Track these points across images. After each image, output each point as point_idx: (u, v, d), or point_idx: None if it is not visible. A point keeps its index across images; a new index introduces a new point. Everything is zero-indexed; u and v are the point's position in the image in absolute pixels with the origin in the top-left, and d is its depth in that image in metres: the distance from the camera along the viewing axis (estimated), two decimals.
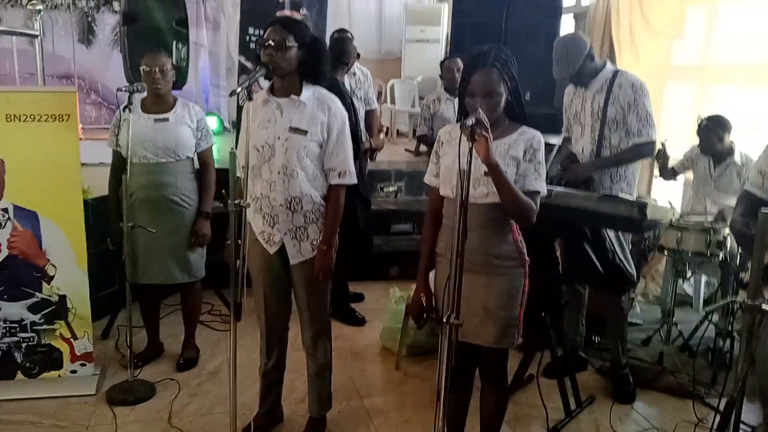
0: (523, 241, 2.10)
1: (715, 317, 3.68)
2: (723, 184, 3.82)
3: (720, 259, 3.44)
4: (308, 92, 2.34)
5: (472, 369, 2.27)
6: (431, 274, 2.25)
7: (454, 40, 6.23)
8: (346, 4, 8.50)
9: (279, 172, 2.33)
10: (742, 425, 2.81)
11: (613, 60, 5.18)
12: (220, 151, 3.28)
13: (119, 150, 3.03)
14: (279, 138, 2.32)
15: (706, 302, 4.30)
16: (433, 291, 2.22)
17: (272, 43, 2.25)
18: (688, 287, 4.29)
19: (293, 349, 2.68)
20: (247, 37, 5.73)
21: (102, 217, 3.54)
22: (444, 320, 1.86)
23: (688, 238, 3.43)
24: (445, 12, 8.22)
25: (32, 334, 3.00)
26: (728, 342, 3.42)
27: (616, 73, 3.08)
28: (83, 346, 3.05)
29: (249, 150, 2.23)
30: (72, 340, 3.04)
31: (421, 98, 7.66)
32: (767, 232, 1.48)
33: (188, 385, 3.08)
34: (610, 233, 2.78)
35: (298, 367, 2.79)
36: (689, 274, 3.76)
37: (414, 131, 6.66)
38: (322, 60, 2.37)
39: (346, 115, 2.41)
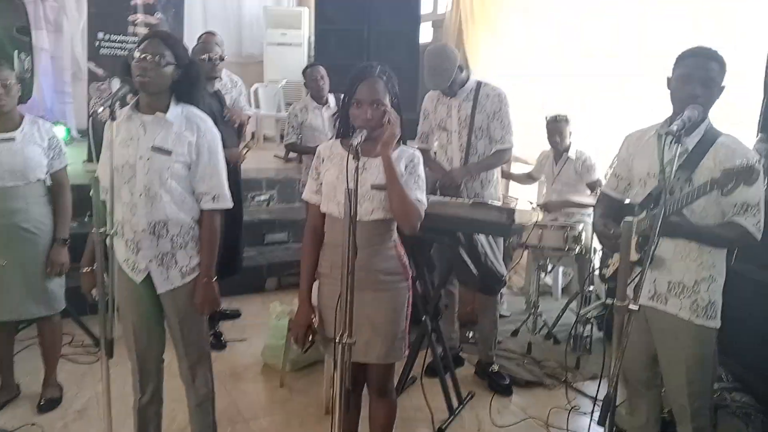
0: (405, 255, 2.16)
1: (574, 305, 4.00)
2: (564, 179, 4.16)
3: (576, 252, 3.76)
4: (176, 110, 2.21)
5: (362, 385, 2.29)
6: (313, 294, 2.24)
7: (318, 45, 6.22)
8: (201, 7, 8.20)
9: (141, 195, 2.18)
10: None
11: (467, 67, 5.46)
12: (71, 163, 3.03)
13: None
14: (141, 158, 2.17)
15: (563, 291, 4.68)
16: (316, 311, 2.20)
17: (148, 57, 2.11)
18: (548, 279, 4.63)
19: (170, 376, 2.53)
20: (97, 42, 5.36)
21: None
22: (336, 340, 1.86)
23: (548, 235, 3.71)
24: (306, 16, 8.20)
25: None
26: (586, 328, 3.72)
27: (479, 83, 3.24)
28: None
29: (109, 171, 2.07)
30: None
31: (288, 103, 7.59)
32: (630, 239, 1.62)
33: (53, 429, 2.82)
34: (481, 237, 2.93)
35: (178, 396, 2.63)
36: (550, 267, 4.06)
37: (282, 137, 6.57)
38: (197, 84, 2.26)
39: (218, 135, 2.30)
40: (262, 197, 5.38)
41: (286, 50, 8.15)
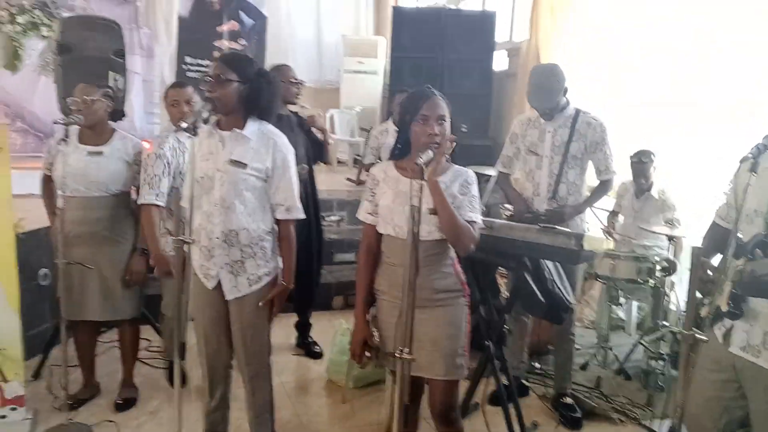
0: (462, 272, 2.17)
1: (649, 341, 3.85)
2: (644, 216, 4.05)
3: (651, 285, 3.63)
4: (253, 127, 2.35)
5: (419, 403, 2.30)
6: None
7: (394, 73, 6.37)
8: (283, 35, 8.54)
9: (217, 204, 2.33)
10: None
11: None
12: None
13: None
14: (219, 170, 2.32)
15: (638, 326, 4.50)
16: (373, 328, 2.23)
17: (212, 79, 2.27)
18: (621, 312, 4.47)
19: (238, 386, 2.63)
20: (184, 66, 5.71)
21: (32, 253, 3.40)
22: (396, 355, 1.89)
23: (621, 266, 3.61)
24: (383, 45, 8.39)
25: None
26: (660, 364, 3.57)
27: (578, 110, 3.17)
28: (14, 389, 2.88)
29: (190, 183, 2.22)
30: (1, 383, 2.87)
31: (363, 129, 7.75)
32: (697, 273, 1.57)
33: (127, 427, 2.96)
34: (548, 263, 2.88)
35: (243, 405, 2.72)
36: (623, 300, 3.93)
37: (355, 161, 6.72)
38: (264, 95, 2.37)
39: (291, 150, 2.43)
40: (333, 218, 5.49)
41: (363, 78, 8.34)
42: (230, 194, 2.31)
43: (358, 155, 7.33)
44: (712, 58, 3.90)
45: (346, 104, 8.26)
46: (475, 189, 2.12)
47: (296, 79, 3.55)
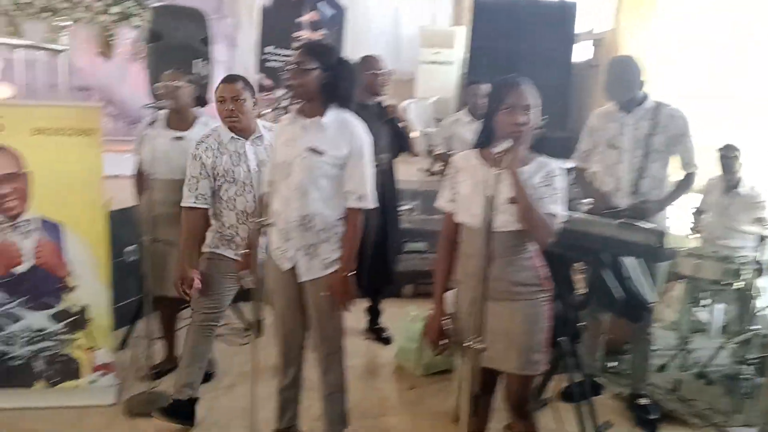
0: (544, 267, 2.12)
1: (734, 345, 3.67)
2: (731, 213, 3.85)
3: (737, 287, 3.45)
4: (332, 115, 2.39)
5: (492, 395, 2.28)
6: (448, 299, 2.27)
7: (472, 63, 6.31)
8: (361, 25, 8.61)
9: (294, 190, 2.38)
10: None
11: None
12: None
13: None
14: (297, 156, 2.38)
15: (722, 330, 4.29)
16: (449, 316, 2.23)
17: (294, 66, 2.33)
18: (703, 314, 4.28)
19: (311, 366, 2.69)
20: (265, 56, 5.85)
21: (122, 229, 3.58)
22: (466, 344, 1.89)
23: (706, 266, 3.45)
24: (460, 35, 8.31)
25: (53, 344, 3.02)
26: (747, 370, 3.40)
27: (659, 103, 3.06)
28: (103, 356, 3.07)
29: (272, 168, 2.29)
30: (92, 350, 3.06)
31: (437, 120, 7.73)
32: None
33: (204, 399, 3.08)
34: (627, 259, 2.78)
35: (316, 384, 2.78)
36: (705, 301, 3.76)
37: (429, 151, 6.69)
38: (345, 84, 2.40)
39: (368, 139, 2.45)
40: (405, 207, 5.50)
41: (439, 68, 8.31)
42: (307, 180, 2.36)
43: (432, 145, 7.31)
44: (750, 50, 3.69)
45: (421, 95, 8.25)
46: (559, 182, 2.07)
47: (383, 70, 3.58)
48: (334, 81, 2.36)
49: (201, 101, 3.34)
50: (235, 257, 2.78)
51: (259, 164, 2.75)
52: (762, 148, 3.91)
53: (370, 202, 2.44)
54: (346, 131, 2.38)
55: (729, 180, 3.91)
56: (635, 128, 3.05)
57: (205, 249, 2.85)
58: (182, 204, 2.80)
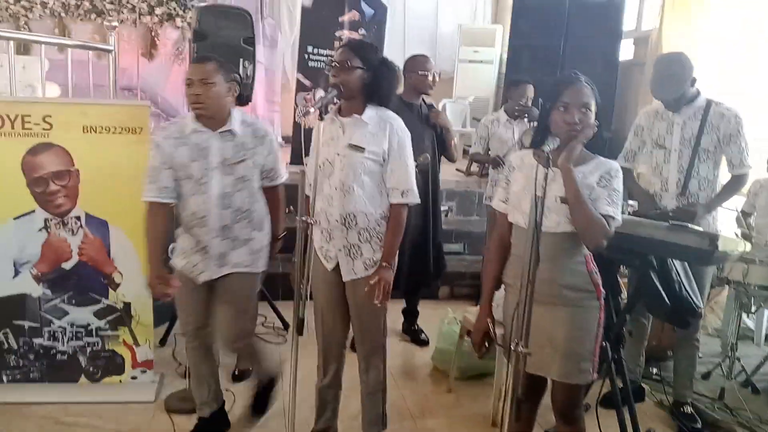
0: (598, 273, 2.06)
1: None
2: None
3: None
4: (371, 112, 2.39)
5: (537, 401, 2.24)
6: (497, 303, 2.24)
7: (512, 61, 6.23)
8: (401, 24, 8.59)
9: (336, 188, 2.38)
10: None
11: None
12: None
13: None
14: (338, 154, 2.38)
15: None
16: (498, 320, 2.20)
17: (337, 64, 2.33)
18: (749, 321, 4.15)
19: (349, 366, 2.69)
20: (306, 56, 5.87)
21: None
22: (512, 347, 1.86)
23: (755, 271, 3.34)
24: (500, 33, 8.23)
25: (97, 339, 3.09)
26: None
27: (710, 102, 2.97)
28: (144, 353, 3.13)
29: (313, 167, 2.29)
30: (134, 346, 3.12)
31: (475, 119, 7.67)
32: None
33: (243, 397, 3.10)
34: (677, 263, 2.71)
35: (353, 384, 2.78)
36: (754, 308, 3.64)
37: (465, 150, 6.64)
38: (386, 83, 2.40)
39: (407, 134, 2.43)
40: (442, 208, 5.47)
41: (477, 67, 8.25)
42: (349, 178, 2.35)
43: (469, 146, 7.26)
44: (760, 47, 3.54)
45: (459, 94, 8.20)
46: (617, 183, 2.01)
47: (431, 70, 3.58)
48: (375, 80, 2.35)
49: (242, 99, 3.35)
50: (183, 268, 2.60)
51: (224, 162, 2.49)
52: None
53: (414, 197, 2.42)
54: (385, 127, 2.37)
55: None
56: (684, 127, 2.97)
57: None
58: (143, 198, 2.51)
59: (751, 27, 3.95)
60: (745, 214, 3.98)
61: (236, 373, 3.34)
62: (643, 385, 3.40)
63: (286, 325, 4.02)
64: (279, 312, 4.05)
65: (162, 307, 3.61)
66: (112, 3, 7.15)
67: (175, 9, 7.48)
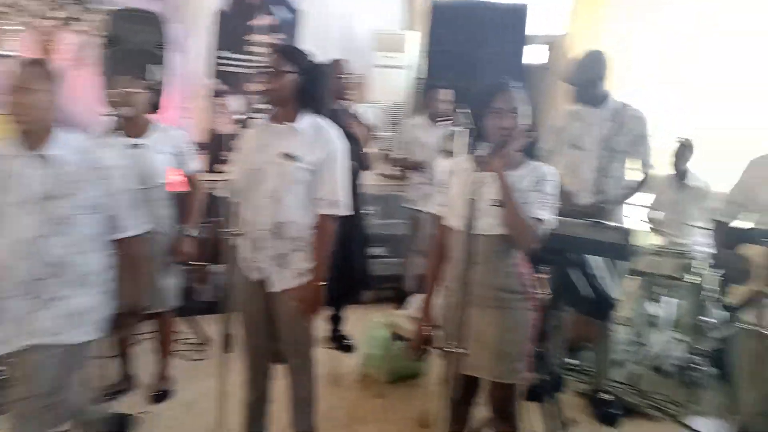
0: (530, 275, 2.11)
1: (687, 338, 3.78)
2: (683, 208, 3.96)
3: (691, 281, 3.56)
4: (305, 120, 2.33)
5: (471, 401, 2.27)
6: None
7: (432, 68, 6.34)
8: (318, 29, 8.51)
9: (267, 197, 2.31)
10: None
11: None
12: None
13: None
14: (270, 163, 2.31)
15: (675, 324, 4.42)
16: (436, 322, 2.21)
17: (268, 70, 2.26)
18: (655, 308, 4.39)
19: (278, 377, 2.62)
20: (220, 61, 5.71)
21: None
22: (446, 349, 1.87)
23: (662, 262, 3.54)
24: (413, 40, 8.33)
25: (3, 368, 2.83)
26: (700, 361, 3.49)
27: (623, 104, 3.12)
28: None
29: (241, 175, 2.21)
30: None
31: (395, 124, 7.73)
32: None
33: (164, 417, 2.98)
34: (594, 258, 2.82)
35: (282, 396, 2.71)
36: (661, 296, 3.85)
37: (385, 155, 6.68)
38: (320, 89, 2.37)
39: (342, 145, 2.40)
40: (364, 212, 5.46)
41: (391, 72, 8.30)
42: (281, 187, 2.29)
43: (385, 150, 7.30)
44: (715, 40, 3.86)
45: (373, 99, 8.23)
46: (550, 187, 2.06)
47: (349, 74, 3.55)
48: (308, 86, 2.31)
49: (154, 107, 3.22)
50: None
51: (46, 194, 1.97)
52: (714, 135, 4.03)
53: (343, 208, 2.38)
54: (321, 136, 2.33)
55: (678, 172, 3.98)
56: (599, 128, 3.10)
57: None
58: None
59: (707, 21, 4.16)
60: (652, 210, 4.22)
61: (156, 393, 3.18)
62: (563, 376, 3.52)
63: (205, 340, 3.87)
64: (198, 326, 3.89)
65: None
66: (8, 6, 6.68)
67: (75, 12, 7.10)
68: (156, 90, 3.34)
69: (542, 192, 2.03)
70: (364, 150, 3.77)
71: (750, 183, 2.27)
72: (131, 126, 2.98)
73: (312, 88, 2.32)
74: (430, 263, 2.23)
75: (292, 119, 2.31)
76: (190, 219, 3.10)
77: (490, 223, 2.01)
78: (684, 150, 3.92)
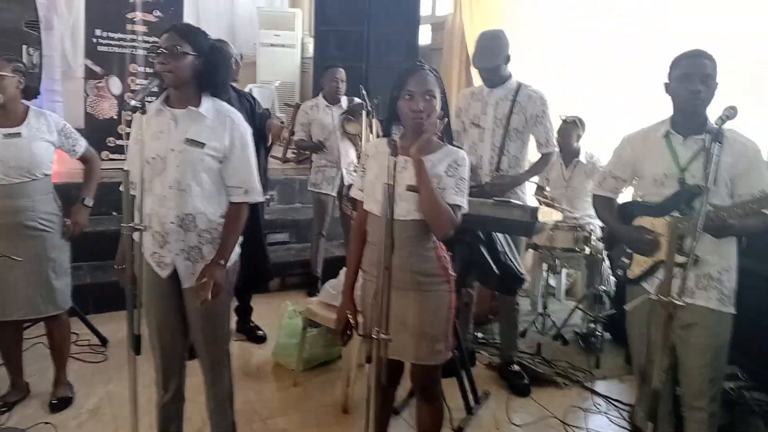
0: (447, 257, 2.13)
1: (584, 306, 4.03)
2: (575, 184, 4.19)
3: (586, 253, 3.80)
4: (207, 104, 2.20)
5: (395, 385, 2.29)
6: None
7: (318, 47, 6.25)
8: (195, 7, 8.13)
9: (171, 187, 2.16)
10: (619, 404, 3.13)
11: (471, 70, 5.48)
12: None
13: None
14: (173, 150, 2.16)
15: (567, 292, 4.71)
16: (357, 308, 2.20)
17: (165, 51, 2.10)
18: (551, 280, 4.65)
19: (189, 375, 2.49)
20: (94, 40, 5.30)
21: None
22: (372, 336, 1.86)
23: (559, 236, 3.74)
24: (299, 18, 8.18)
25: None
26: (596, 327, 3.74)
27: (520, 84, 3.18)
28: None
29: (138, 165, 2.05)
30: None
31: (287, 105, 7.56)
32: (675, 238, 1.65)
33: (66, 427, 2.76)
34: (499, 235, 2.93)
35: (194, 395, 2.59)
36: (559, 268, 4.08)
37: (280, 138, 6.53)
38: (220, 70, 2.23)
39: (249, 129, 2.29)
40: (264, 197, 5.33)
41: (279, 51, 8.12)
42: (186, 176, 2.15)
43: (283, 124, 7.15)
44: (666, 44, 4.08)
45: (263, 79, 8.01)
46: (464, 171, 2.06)
47: (233, 56, 3.40)
48: (207, 68, 2.17)
49: (30, 92, 2.92)
50: None
51: None
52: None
53: (258, 195, 2.29)
54: (224, 121, 2.20)
55: (569, 149, 4.18)
56: (496, 108, 3.18)
57: None
58: None
59: (657, 24, 4.26)
60: (539, 188, 4.42)
61: (54, 401, 2.94)
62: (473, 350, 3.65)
63: (103, 341, 3.63)
64: (93, 327, 3.64)
65: None
66: None
67: None
68: (32, 74, 3.01)
69: (456, 177, 2.04)
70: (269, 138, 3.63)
71: (628, 158, 2.40)
72: (3, 114, 2.69)
73: (212, 70, 2.19)
74: (351, 248, 2.21)
75: (194, 103, 2.17)
76: (87, 188, 2.92)
77: (406, 209, 2.01)
78: (570, 128, 4.12)
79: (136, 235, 2.01)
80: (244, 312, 3.86)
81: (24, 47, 3.08)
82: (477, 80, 5.35)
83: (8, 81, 2.69)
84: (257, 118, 3.48)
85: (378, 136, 3.52)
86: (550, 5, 4.99)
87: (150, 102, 2.15)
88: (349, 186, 3.88)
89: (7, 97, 2.69)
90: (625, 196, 2.59)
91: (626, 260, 2.41)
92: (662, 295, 1.63)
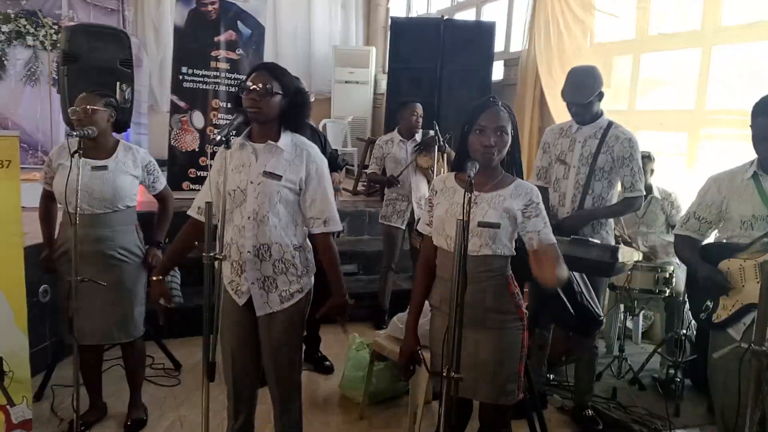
0: (520, 294, 2.09)
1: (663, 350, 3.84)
2: (648, 220, 4.03)
3: (666, 294, 3.62)
4: (286, 139, 2.28)
5: (465, 423, 2.24)
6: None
7: (391, 83, 6.36)
8: (275, 45, 8.49)
9: (249, 218, 2.24)
10: None
11: (545, 106, 5.43)
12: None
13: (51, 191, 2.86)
14: (252, 182, 2.24)
15: (644, 335, 4.50)
16: (423, 344, 2.18)
17: (257, 89, 2.18)
18: (628, 322, 4.46)
19: (260, 402, 2.52)
20: (180, 76, 5.58)
21: (33, 268, 3.26)
22: (444, 374, 1.83)
23: (638, 276, 3.59)
24: (373, 55, 8.39)
25: None
26: (675, 374, 3.54)
27: (610, 123, 3.08)
28: (21, 413, 2.74)
29: (224, 196, 2.14)
30: (8, 407, 2.72)
31: (359, 139, 7.73)
32: (766, 281, 1.56)
33: None
34: (576, 274, 2.84)
35: (263, 424, 2.62)
36: (637, 310, 3.91)
37: (347, 170, 6.68)
38: (304, 110, 2.33)
39: (325, 162, 2.36)
40: None
41: (353, 88, 8.34)
42: (264, 207, 2.22)
43: (350, 165, 7.28)
44: None
45: (337, 114, 8.23)
46: (543, 207, 2.06)
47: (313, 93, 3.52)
48: (293, 106, 2.26)
49: (121, 126, 3.09)
50: None
51: None
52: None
53: (337, 224, 2.34)
54: (302, 154, 2.28)
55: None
56: (584, 145, 3.08)
57: None
58: None
59: None
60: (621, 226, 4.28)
61: (129, 423, 3.03)
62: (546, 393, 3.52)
63: (177, 365, 3.74)
64: (168, 351, 3.76)
65: (34, 357, 3.21)
66: None
67: (25, 26, 6.85)
68: (124, 109, 3.19)
69: (541, 214, 2.02)
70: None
71: (713, 199, 2.34)
72: (93, 147, 2.84)
73: (296, 109, 2.28)
74: (418, 282, 2.20)
75: (273, 138, 2.26)
76: (162, 231, 3.03)
77: (477, 244, 1.99)
78: (642, 163, 3.98)
79: (218, 264, 2.07)
80: (313, 342, 3.89)
81: (118, 84, 3.27)
82: (549, 116, 5.31)
83: (100, 115, 2.83)
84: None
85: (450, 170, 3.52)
86: None
87: (233, 136, 2.24)
88: (419, 220, 3.89)
89: (99, 129, 2.83)
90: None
91: (710, 303, 2.29)
92: (756, 345, 1.53)
